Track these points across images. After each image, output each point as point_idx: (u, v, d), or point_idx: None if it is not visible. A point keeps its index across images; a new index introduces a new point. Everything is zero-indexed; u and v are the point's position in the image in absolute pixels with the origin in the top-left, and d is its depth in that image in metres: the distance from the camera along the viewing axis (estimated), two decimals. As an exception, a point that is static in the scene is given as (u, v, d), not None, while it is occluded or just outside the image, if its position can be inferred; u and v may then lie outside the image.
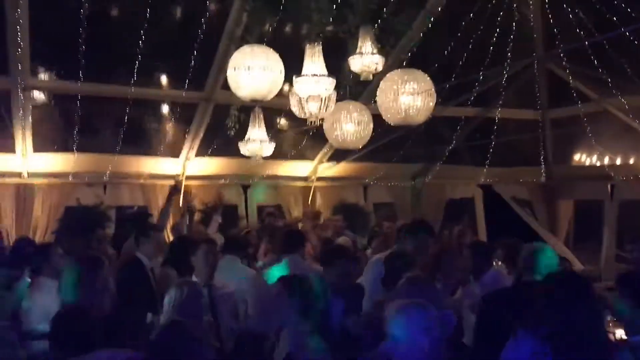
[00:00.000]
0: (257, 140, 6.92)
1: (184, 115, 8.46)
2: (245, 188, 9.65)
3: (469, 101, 9.18)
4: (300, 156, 9.48)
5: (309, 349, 2.99)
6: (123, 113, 7.63)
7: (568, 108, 9.71)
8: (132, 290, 4.42)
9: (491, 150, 10.02)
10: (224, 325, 4.31)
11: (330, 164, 9.69)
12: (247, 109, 7.26)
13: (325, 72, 5.22)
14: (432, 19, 7.45)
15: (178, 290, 3.67)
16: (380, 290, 4.09)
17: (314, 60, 5.17)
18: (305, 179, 9.95)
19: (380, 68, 5.71)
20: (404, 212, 10.38)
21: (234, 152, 7.86)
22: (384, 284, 4.03)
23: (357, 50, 5.64)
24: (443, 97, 7.15)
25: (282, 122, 8.78)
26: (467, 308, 4.29)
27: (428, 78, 5.77)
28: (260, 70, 5.05)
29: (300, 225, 8.49)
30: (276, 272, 4.88)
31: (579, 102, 9.12)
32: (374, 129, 6.66)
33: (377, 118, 6.63)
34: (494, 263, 5.35)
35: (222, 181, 9.26)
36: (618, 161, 9.74)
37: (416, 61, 6.94)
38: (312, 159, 9.72)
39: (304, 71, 5.19)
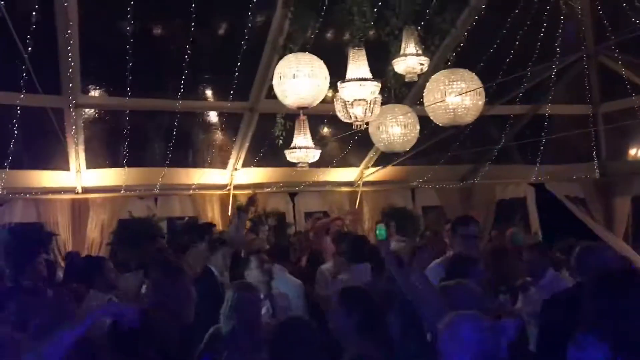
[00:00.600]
0: (302, 148, 6.91)
1: (230, 126, 8.56)
2: (293, 196, 9.67)
3: (517, 98, 8.97)
4: (346, 162, 9.44)
5: None
6: (171, 126, 7.78)
7: (621, 101, 9.38)
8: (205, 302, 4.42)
9: (542, 147, 9.76)
10: None
11: (376, 168, 9.62)
12: (291, 117, 7.29)
13: (369, 75, 5.17)
14: (476, 17, 7.31)
15: (236, 294, 3.67)
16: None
17: (358, 65, 5.14)
18: (351, 184, 9.90)
19: (425, 69, 5.65)
20: (453, 215, 10.17)
21: (280, 161, 7.89)
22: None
23: (401, 52, 5.58)
24: (491, 95, 7.01)
25: (327, 128, 8.77)
26: (528, 316, 4.14)
27: (475, 77, 5.65)
28: (306, 77, 5.05)
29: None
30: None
31: (633, 94, 8.79)
32: (419, 130, 6.57)
33: (422, 120, 6.55)
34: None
35: (270, 189, 9.31)
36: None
37: (462, 60, 6.83)
38: (358, 164, 9.67)
39: (348, 76, 5.16)
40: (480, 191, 10.37)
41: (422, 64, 5.57)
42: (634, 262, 7.69)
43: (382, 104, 5.77)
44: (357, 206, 9.79)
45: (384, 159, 9.18)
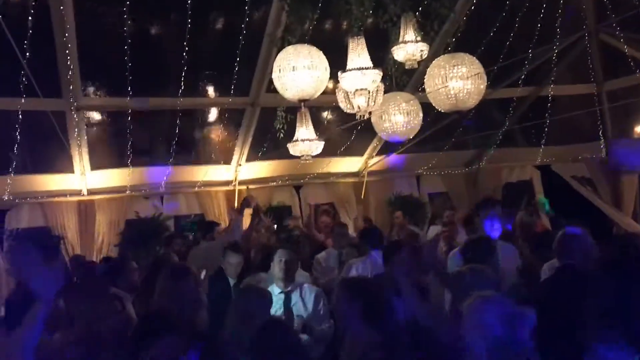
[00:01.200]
0: (305, 140, 6.87)
1: (232, 121, 8.54)
2: (298, 188, 9.66)
3: (519, 81, 8.90)
4: (350, 152, 9.41)
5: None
6: (173, 124, 7.77)
7: (625, 78, 9.29)
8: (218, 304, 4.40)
9: (546, 129, 9.69)
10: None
11: (380, 157, 9.58)
12: (293, 109, 7.25)
13: (370, 64, 5.13)
14: (474, 0, 7.25)
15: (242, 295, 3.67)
16: None
17: (358, 54, 5.09)
18: (356, 174, 9.88)
19: (425, 55, 5.60)
20: (459, 200, 10.17)
21: (284, 154, 7.86)
22: None
23: (400, 40, 5.53)
24: (492, 79, 6.94)
25: (330, 119, 8.74)
26: None
27: (476, 60, 5.60)
28: (306, 69, 5.01)
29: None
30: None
31: (637, 71, 8.70)
32: (422, 117, 6.53)
33: (425, 106, 6.51)
34: None
35: (274, 183, 9.29)
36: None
37: (462, 45, 6.77)
38: (362, 153, 9.64)
39: (349, 65, 5.12)
40: (486, 176, 10.34)
41: (422, 51, 5.52)
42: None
43: (384, 92, 5.72)
44: (362, 196, 9.77)
45: (388, 147, 9.15)
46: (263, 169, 9.08)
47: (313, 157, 7.08)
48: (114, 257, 6.83)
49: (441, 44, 7.45)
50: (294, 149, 6.91)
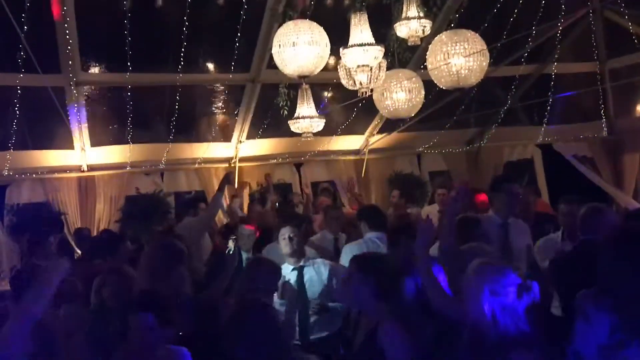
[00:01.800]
0: (306, 117, 6.85)
1: (233, 98, 8.49)
2: (299, 166, 9.64)
3: (522, 59, 8.82)
4: (351, 130, 9.37)
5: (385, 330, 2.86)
6: (173, 100, 7.73)
7: (628, 56, 9.21)
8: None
9: (548, 108, 9.64)
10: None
11: (382, 135, 9.55)
12: (295, 86, 7.20)
13: (372, 40, 5.08)
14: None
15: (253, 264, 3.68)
16: None
17: (360, 30, 5.04)
18: (357, 152, 9.85)
19: (428, 32, 5.53)
20: (460, 179, 10.14)
21: (285, 131, 7.85)
22: None
23: (403, 16, 5.46)
24: (495, 56, 6.88)
25: (331, 96, 8.69)
26: None
27: (479, 37, 5.53)
28: (306, 45, 4.95)
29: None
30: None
31: (641, 49, 8.63)
32: (424, 95, 6.49)
33: (427, 84, 6.46)
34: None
35: (275, 161, 9.28)
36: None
37: (465, 21, 6.69)
38: (363, 131, 9.60)
39: (351, 41, 5.07)
40: (487, 154, 10.31)
41: (424, 27, 5.45)
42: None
43: (386, 69, 5.67)
44: (363, 174, 9.76)
45: (389, 125, 9.11)
46: (263, 146, 9.05)
47: (314, 134, 7.07)
48: (113, 231, 6.84)
49: (444, 21, 7.37)
50: (294, 126, 6.89)
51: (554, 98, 9.31)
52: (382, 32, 6.19)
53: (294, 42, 4.96)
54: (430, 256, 3.19)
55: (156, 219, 7.46)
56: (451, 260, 3.24)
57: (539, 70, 9.45)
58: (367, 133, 9.59)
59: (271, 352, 2.64)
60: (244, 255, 5.16)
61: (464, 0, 7.44)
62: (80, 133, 7.67)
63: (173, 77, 7.45)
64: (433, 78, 5.61)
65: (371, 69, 5.20)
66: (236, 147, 8.81)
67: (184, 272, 3.37)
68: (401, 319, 2.84)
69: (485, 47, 5.41)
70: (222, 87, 8.42)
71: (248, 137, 8.75)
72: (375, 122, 9.30)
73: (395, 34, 5.69)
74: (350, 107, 8.45)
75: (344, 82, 5.65)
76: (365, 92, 5.53)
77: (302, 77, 5.25)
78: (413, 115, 6.64)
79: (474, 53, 5.26)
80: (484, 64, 5.44)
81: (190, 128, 8.63)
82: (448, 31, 5.69)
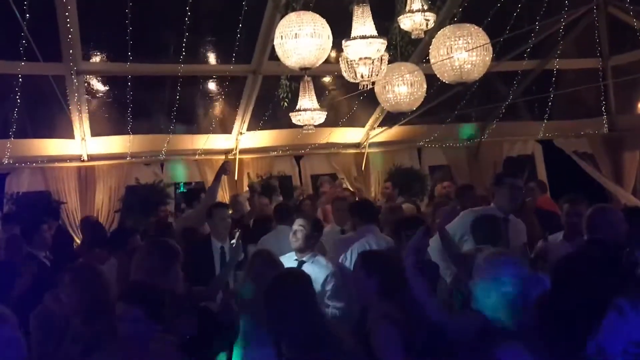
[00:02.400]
0: (308, 110, 6.83)
1: (234, 89, 8.47)
2: (299, 158, 9.63)
3: (524, 54, 8.79)
4: (352, 123, 9.35)
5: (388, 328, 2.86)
6: (174, 91, 7.71)
7: (631, 53, 9.18)
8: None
9: (550, 103, 9.62)
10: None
11: (382, 128, 9.53)
12: (296, 78, 7.17)
13: (375, 33, 5.05)
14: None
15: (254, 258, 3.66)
16: None
17: (363, 22, 5.00)
18: (357, 145, 9.84)
19: (431, 25, 5.50)
20: (460, 173, 10.15)
21: (286, 123, 7.84)
22: None
23: (407, 9, 5.44)
24: (497, 51, 6.87)
25: (332, 89, 8.67)
26: None
27: (482, 32, 5.52)
28: (308, 37, 4.93)
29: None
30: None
31: (644, 45, 8.60)
32: (426, 89, 6.47)
33: (428, 78, 6.45)
34: None
35: (275, 153, 9.27)
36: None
37: (468, 15, 6.65)
38: (364, 124, 9.58)
39: (353, 33, 5.03)
40: (488, 149, 10.30)
41: (427, 20, 5.42)
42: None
43: (388, 62, 5.65)
44: (363, 167, 9.75)
45: (390, 118, 9.09)
46: (264, 138, 9.03)
47: (315, 126, 7.06)
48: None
49: (448, 14, 7.33)
50: (296, 119, 6.88)
51: (556, 93, 9.28)
52: (385, 24, 6.16)
53: (296, 34, 4.93)
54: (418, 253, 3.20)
55: (155, 210, 7.46)
56: (461, 265, 3.24)
57: (541, 65, 9.43)
58: (367, 126, 9.57)
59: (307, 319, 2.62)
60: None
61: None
62: (81, 122, 7.65)
63: (174, 67, 7.42)
64: (436, 72, 5.60)
65: (373, 61, 5.18)
66: (236, 139, 8.79)
67: (179, 271, 3.36)
68: (397, 320, 2.84)
69: (488, 41, 5.39)
70: (223, 79, 8.40)
71: (249, 129, 8.74)
72: (375, 115, 9.28)
73: (398, 26, 5.67)
74: (351, 100, 8.43)
75: (345, 74, 5.63)
76: (367, 85, 5.51)
77: (304, 69, 5.22)
78: (414, 109, 6.62)
79: (477, 47, 5.25)
80: (487, 58, 5.43)
81: (191, 119, 8.62)
82: (451, 25, 5.68)
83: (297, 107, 6.84)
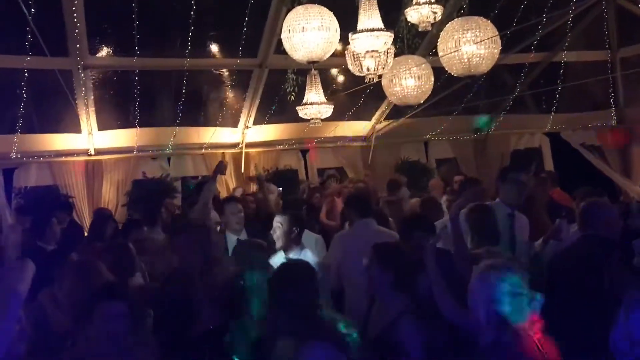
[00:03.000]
0: (315, 104, 6.81)
1: (240, 83, 8.46)
2: (305, 152, 9.62)
3: (532, 46, 8.73)
4: (358, 116, 9.32)
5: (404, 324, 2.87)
6: (180, 85, 7.71)
7: (640, 45, 9.12)
8: None
9: (557, 96, 9.56)
10: None
11: (389, 121, 9.49)
12: (303, 72, 7.14)
13: (382, 26, 5.02)
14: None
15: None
16: None
17: (370, 15, 4.98)
18: (363, 139, 9.81)
19: (438, 17, 5.46)
20: (467, 167, 10.11)
21: (292, 117, 7.82)
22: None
23: (414, 1, 5.40)
24: (505, 43, 6.81)
25: (339, 82, 8.64)
26: None
27: (490, 24, 5.48)
28: (316, 30, 4.91)
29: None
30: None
31: (654, 37, 8.54)
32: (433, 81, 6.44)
33: (435, 70, 6.42)
34: None
35: (281, 147, 9.26)
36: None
37: (476, 7, 6.61)
38: (370, 118, 9.55)
39: (359, 26, 5.01)
40: (495, 142, 10.25)
41: (435, 13, 5.39)
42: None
43: (395, 55, 5.62)
44: (369, 161, 9.72)
45: (397, 111, 9.06)
46: (270, 131, 9.02)
47: (321, 120, 7.04)
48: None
49: (455, 6, 7.27)
50: (302, 112, 6.86)
51: (563, 86, 9.22)
52: (391, 17, 6.13)
53: (303, 27, 4.92)
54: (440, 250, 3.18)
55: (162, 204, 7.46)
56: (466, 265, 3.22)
57: (548, 58, 9.37)
58: (374, 119, 9.54)
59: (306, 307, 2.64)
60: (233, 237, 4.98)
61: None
62: (88, 117, 7.66)
63: (180, 61, 7.42)
64: (444, 65, 5.57)
65: (379, 54, 5.15)
66: (243, 133, 8.79)
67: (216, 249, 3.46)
68: (419, 314, 2.84)
69: (497, 34, 5.35)
70: (230, 72, 8.38)
71: (255, 123, 8.72)
72: (382, 108, 9.25)
73: (405, 19, 5.64)
74: (357, 93, 8.41)
75: (351, 68, 5.61)
76: (373, 79, 5.49)
77: (311, 63, 5.21)
78: (422, 102, 6.60)
79: (485, 39, 5.21)
80: (495, 51, 5.40)
81: (197, 113, 8.61)
82: (460, 18, 5.64)
83: (304, 101, 6.82)
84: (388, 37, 4.94)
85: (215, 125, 8.62)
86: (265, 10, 7.29)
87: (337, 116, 8.45)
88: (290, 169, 9.30)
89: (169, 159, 8.74)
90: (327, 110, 6.87)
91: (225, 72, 8.48)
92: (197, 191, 7.55)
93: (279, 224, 4.27)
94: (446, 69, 5.55)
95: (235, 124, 8.76)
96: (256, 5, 7.06)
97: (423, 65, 6.22)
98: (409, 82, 6.17)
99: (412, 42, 6.83)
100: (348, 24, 5.20)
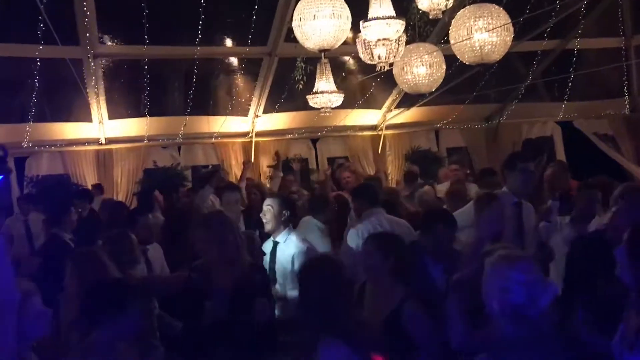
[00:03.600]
0: (325, 92, 6.77)
1: (250, 71, 8.44)
2: (315, 141, 9.59)
3: (545, 34, 8.62)
4: (368, 104, 9.28)
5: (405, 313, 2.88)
6: (190, 74, 7.70)
7: (656, 32, 8.98)
8: None
9: (570, 84, 9.45)
10: None
11: (399, 110, 9.44)
12: (312, 60, 7.10)
13: (393, 13, 4.97)
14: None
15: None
16: None
17: (381, 3, 4.93)
18: (374, 127, 9.77)
19: (450, 4, 5.39)
20: (478, 155, 10.05)
21: (302, 105, 7.80)
22: None
23: (426, -12, 5.34)
24: (517, 31, 6.71)
25: (349, 70, 8.59)
26: None
27: (503, 11, 5.41)
28: (327, 18, 4.87)
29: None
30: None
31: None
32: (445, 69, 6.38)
33: (446, 58, 6.36)
34: None
35: (291, 136, 9.24)
36: None
37: (488, -6, 6.53)
38: (380, 106, 9.50)
39: (370, 14, 4.97)
40: (506, 131, 10.16)
41: (446, 0, 5.33)
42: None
43: (406, 43, 5.57)
44: (380, 150, 9.68)
45: (407, 100, 9.00)
46: (280, 120, 9.00)
47: (331, 109, 7.00)
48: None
49: (466, -7, 7.20)
50: (313, 101, 6.83)
51: (576, 74, 9.11)
52: (402, 4, 6.07)
53: (314, 15, 4.87)
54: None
55: (174, 192, 7.48)
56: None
57: (561, 45, 9.25)
58: (384, 108, 9.49)
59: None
60: None
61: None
62: (98, 106, 7.68)
63: (190, 50, 7.40)
64: (456, 53, 5.51)
65: (391, 42, 5.10)
66: (253, 122, 8.78)
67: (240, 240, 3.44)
68: (424, 301, 2.85)
69: (509, 21, 5.28)
70: (239, 61, 8.35)
71: (265, 112, 8.71)
72: (393, 96, 9.19)
73: (416, 6, 5.57)
74: (368, 82, 8.35)
75: (362, 56, 5.56)
76: (384, 67, 5.44)
77: (323, 51, 5.17)
78: (434, 90, 6.55)
79: (498, 27, 5.15)
80: (508, 39, 5.33)
81: (207, 101, 8.61)
82: (471, 5, 5.56)
83: (314, 90, 6.79)
84: (400, 25, 4.89)
85: (225, 114, 8.61)
86: (276, -3, 7.26)
87: (347, 105, 8.40)
88: (300, 157, 9.22)
89: (179, 148, 8.76)
90: (338, 99, 6.83)
91: (235, 61, 8.45)
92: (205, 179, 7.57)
93: (269, 207, 4.27)
94: (458, 56, 5.50)
95: (245, 113, 8.74)
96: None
97: (435, 53, 6.16)
98: (421, 70, 6.12)
99: (424, 29, 6.76)
100: (359, 11, 5.15)
